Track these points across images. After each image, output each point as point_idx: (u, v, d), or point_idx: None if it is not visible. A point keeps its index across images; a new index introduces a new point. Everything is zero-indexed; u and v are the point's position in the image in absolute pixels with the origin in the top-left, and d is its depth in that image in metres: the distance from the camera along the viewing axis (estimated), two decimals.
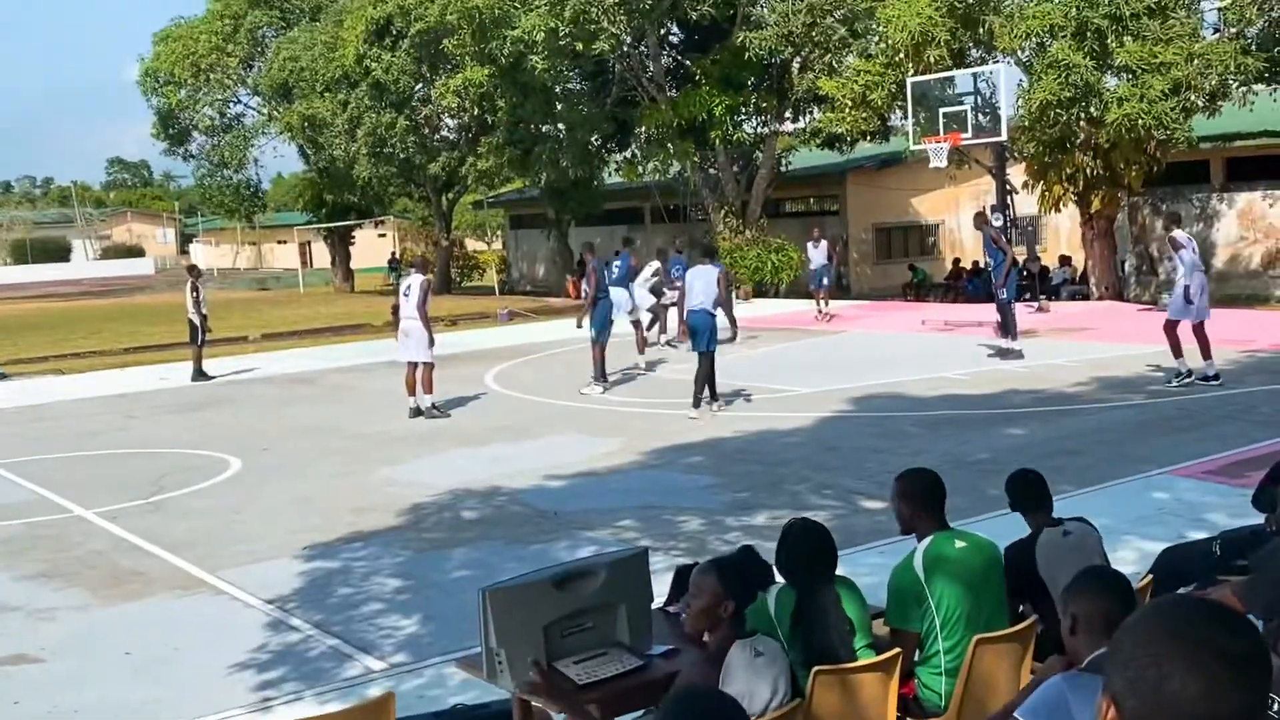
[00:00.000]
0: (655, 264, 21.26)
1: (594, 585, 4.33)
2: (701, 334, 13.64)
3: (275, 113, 42.94)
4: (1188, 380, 13.34)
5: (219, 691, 6.32)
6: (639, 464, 11.42)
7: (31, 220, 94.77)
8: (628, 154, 36.33)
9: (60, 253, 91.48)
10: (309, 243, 67.83)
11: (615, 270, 18.98)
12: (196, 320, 19.59)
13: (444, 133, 40.52)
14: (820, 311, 24.25)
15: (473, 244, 62.21)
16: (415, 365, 14.65)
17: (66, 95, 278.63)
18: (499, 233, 59.07)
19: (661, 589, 4.92)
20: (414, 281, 14.77)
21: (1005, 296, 16.81)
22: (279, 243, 78.80)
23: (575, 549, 8.43)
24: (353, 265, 52.06)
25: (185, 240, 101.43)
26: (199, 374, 19.74)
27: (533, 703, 4.30)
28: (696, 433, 12.66)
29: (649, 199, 38.48)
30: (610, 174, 38.24)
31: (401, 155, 37.94)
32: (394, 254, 57.17)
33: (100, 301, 50.87)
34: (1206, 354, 13.51)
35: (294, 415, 15.88)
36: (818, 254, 24.52)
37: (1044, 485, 4.96)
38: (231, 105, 45.98)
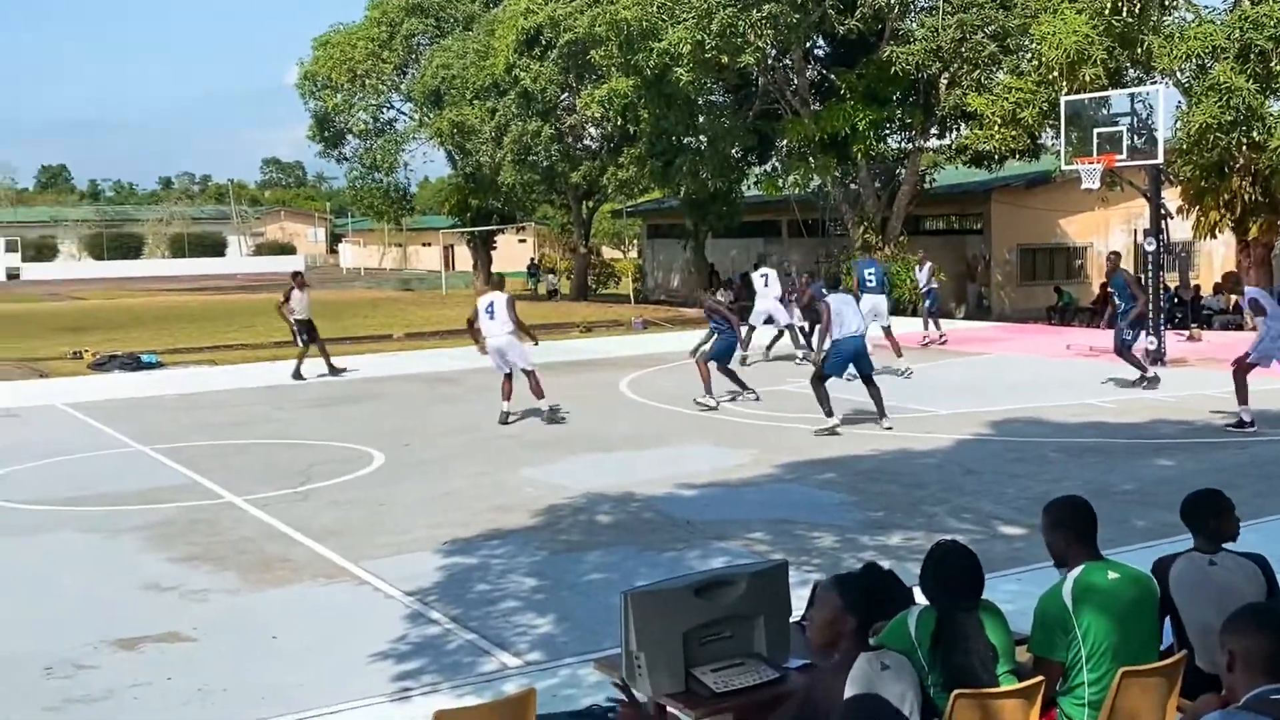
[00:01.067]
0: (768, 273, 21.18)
1: (734, 595, 4.37)
2: (858, 358, 13.66)
3: (426, 118, 44.05)
4: None
5: (359, 679, 6.51)
6: (771, 477, 11.40)
7: (190, 216, 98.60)
8: (768, 167, 36.24)
9: (216, 248, 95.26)
10: (452, 246, 69.26)
11: (870, 279, 18.98)
12: (291, 323, 20.11)
13: (587, 142, 41.02)
14: (927, 335, 23.61)
15: (609, 252, 62.75)
16: (511, 376, 14.88)
17: (226, 97, 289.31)
18: (635, 241, 59.47)
19: (800, 603, 4.93)
20: (497, 300, 14.80)
21: (1128, 338, 16.38)
22: (424, 245, 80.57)
23: (707, 559, 8.46)
24: (494, 269, 52.95)
25: (335, 240, 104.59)
26: (296, 374, 20.04)
27: (669, 708, 4.36)
28: (830, 449, 12.59)
29: (787, 212, 38.32)
30: (749, 187, 38.19)
31: (545, 163, 38.53)
32: (533, 259, 57.98)
33: (252, 296, 52.61)
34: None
35: (436, 413, 16.24)
36: (923, 276, 24.12)
37: (1211, 509, 4.78)
38: (385, 110, 47.40)
